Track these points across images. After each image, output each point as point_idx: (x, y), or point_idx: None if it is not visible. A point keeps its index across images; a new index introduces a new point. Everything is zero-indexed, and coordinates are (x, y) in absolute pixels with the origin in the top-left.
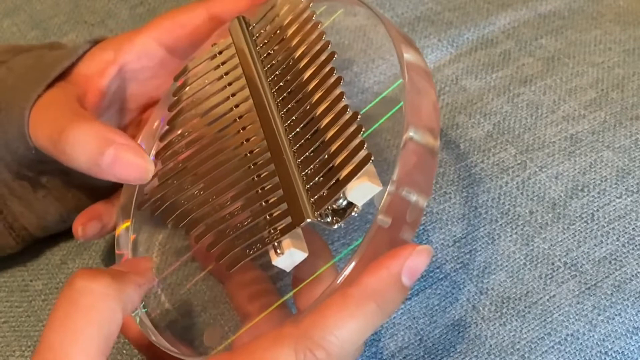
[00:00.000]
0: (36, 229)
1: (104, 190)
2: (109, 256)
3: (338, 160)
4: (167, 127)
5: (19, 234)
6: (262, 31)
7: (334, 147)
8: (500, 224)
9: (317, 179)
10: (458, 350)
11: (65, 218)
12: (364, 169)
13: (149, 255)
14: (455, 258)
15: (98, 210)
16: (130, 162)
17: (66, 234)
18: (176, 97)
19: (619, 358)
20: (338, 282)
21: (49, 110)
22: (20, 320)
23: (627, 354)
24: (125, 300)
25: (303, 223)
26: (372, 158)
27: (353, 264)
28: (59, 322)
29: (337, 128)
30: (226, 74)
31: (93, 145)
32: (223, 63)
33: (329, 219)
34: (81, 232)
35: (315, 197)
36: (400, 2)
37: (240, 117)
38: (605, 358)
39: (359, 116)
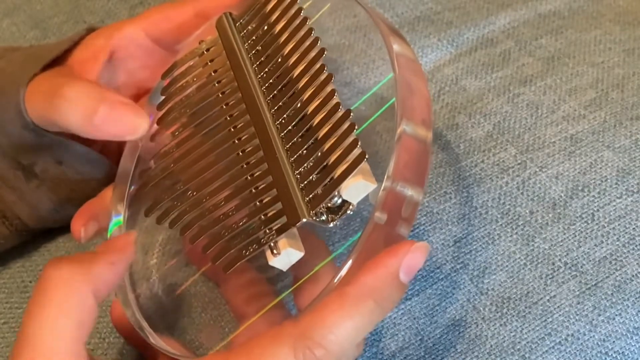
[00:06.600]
0: (30, 219)
1: (96, 181)
2: None
3: (332, 158)
4: (156, 126)
5: (12, 222)
6: (249, 27)
7: (327, 145)
8: (501, 224)
9: (311, 177)
10: (458, 351)
11: (59, 208)
12: (358, 167)
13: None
14: (456, 258)
15: (93, 209)
16: (122, 118)
17: (65, 234)
18: (165, 96)
19: (619, 358)
20: (336, 280)
21: (44, 82)
22: (20, 321)
23: (628, 354)
24: (95, 282)
25: (299, 223)
26: (367, 156)
27: (350, 261)
28: (32, 313)
29: (329, 126)
30: (215, 71)
31: (87, 103)
32: (211, 60)
33: (324, 218)
34: (83, 234)
35: (310, 196)
36: (400, 2)
37: (231, 116)
38: (605, 358)
39: (352, 114)
